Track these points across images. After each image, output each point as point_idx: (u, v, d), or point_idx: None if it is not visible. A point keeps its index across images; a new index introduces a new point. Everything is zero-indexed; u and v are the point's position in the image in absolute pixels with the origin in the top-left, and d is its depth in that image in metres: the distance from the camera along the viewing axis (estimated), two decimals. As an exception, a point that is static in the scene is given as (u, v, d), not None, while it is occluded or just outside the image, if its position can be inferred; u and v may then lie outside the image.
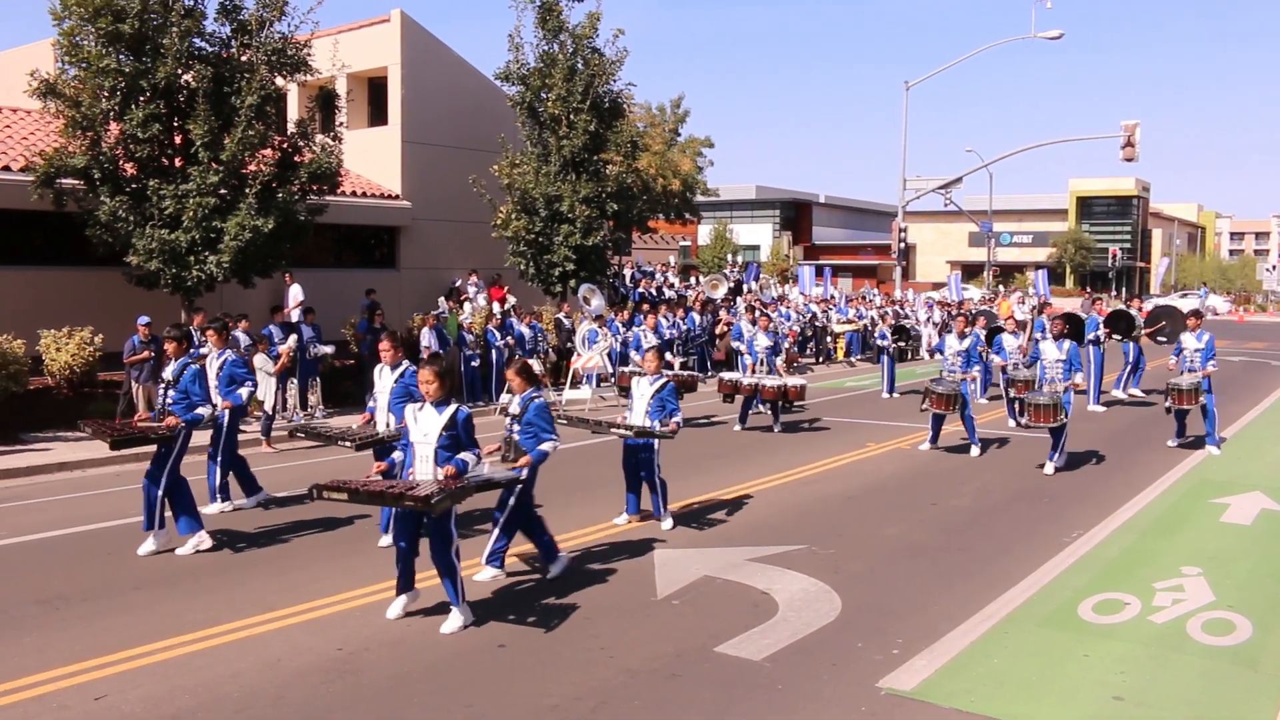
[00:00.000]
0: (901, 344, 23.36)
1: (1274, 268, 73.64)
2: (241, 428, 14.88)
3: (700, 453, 13.76)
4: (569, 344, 20.77)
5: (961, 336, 14.79)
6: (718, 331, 23.71)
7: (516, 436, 8.04)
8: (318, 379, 17.05)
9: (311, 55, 17.37)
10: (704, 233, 61.21)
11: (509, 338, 19.53)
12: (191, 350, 9.83)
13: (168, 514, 9.00)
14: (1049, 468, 12.65)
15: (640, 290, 26.99)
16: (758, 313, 18.48)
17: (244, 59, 16.58)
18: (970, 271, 68.03)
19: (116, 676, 6.15)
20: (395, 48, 23.56)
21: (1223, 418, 15.80)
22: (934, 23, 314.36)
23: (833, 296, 32.97)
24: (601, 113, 22.62)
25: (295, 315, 17.29)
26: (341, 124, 18.42)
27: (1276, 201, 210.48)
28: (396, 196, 23.67)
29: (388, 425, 8.99)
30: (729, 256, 49.23)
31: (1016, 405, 14.23)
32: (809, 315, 28.26)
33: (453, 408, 7.04)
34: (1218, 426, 14.21)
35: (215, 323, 10.98)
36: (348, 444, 8.81)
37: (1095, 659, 6.55)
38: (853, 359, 28.44)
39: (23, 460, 12.88)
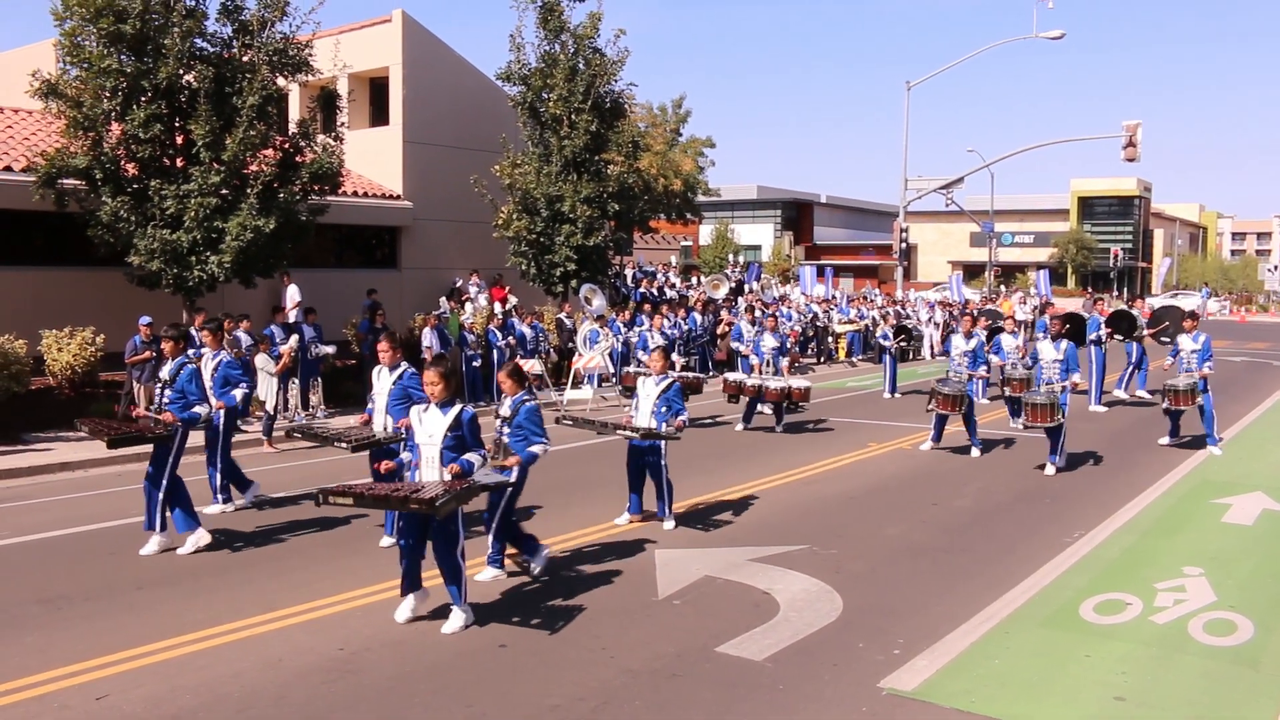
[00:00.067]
0: (903, 344, 23.37)
1: (1275, 268, 73.58)
2: (243, 428, 15.06)
3: (702, 452, 13.76)
4: (570, 344, 20.76)
5: (968, 336, 14.77)
6: (719, 332, 23.71)
7: (506, 439, 8.03)
8: (319, 379, 17.07)
9: (313, 55, 17.38)
10: (705, 233, 61.25)
11: (510, 338, 19.53)
12: (190, 350, 9.85)
13: (169, 514, 9.02)
14: (1049, 469, 12.64)
15: (641, 290, 26.99)
16: (762, 313, 18.50)
17: (245, 59, 16.59)
18: (972, 272, 68.05)
19: (118, 676, 6.16)
20: (396, 48, 23.57)
21: (1224, 418, 15.80)
22: (935, 23, 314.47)
23: (834, 297, 32.99)
24: (603, 113, 22.63)
25: (293, 315, 17.31)
26: (343, 124, 18.43)
27: (1277, 202, 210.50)
28: (398, 197, 23.68)
29: (385, 427, 8.99)
30: (730, 256, 49.27)
31: (1013, 405, 14.25)
32: (810, 315, 28.27)
33: (457, 408, 7.03)
34: (1216, 426, 14.20)
35: (211, 323, 10.98)
36: (344, 445, 8.81)
37: (1097, 659, 6.54)
38: (854, 359, 28.45)
39: (24, 460, 12.90)
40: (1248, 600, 7.66)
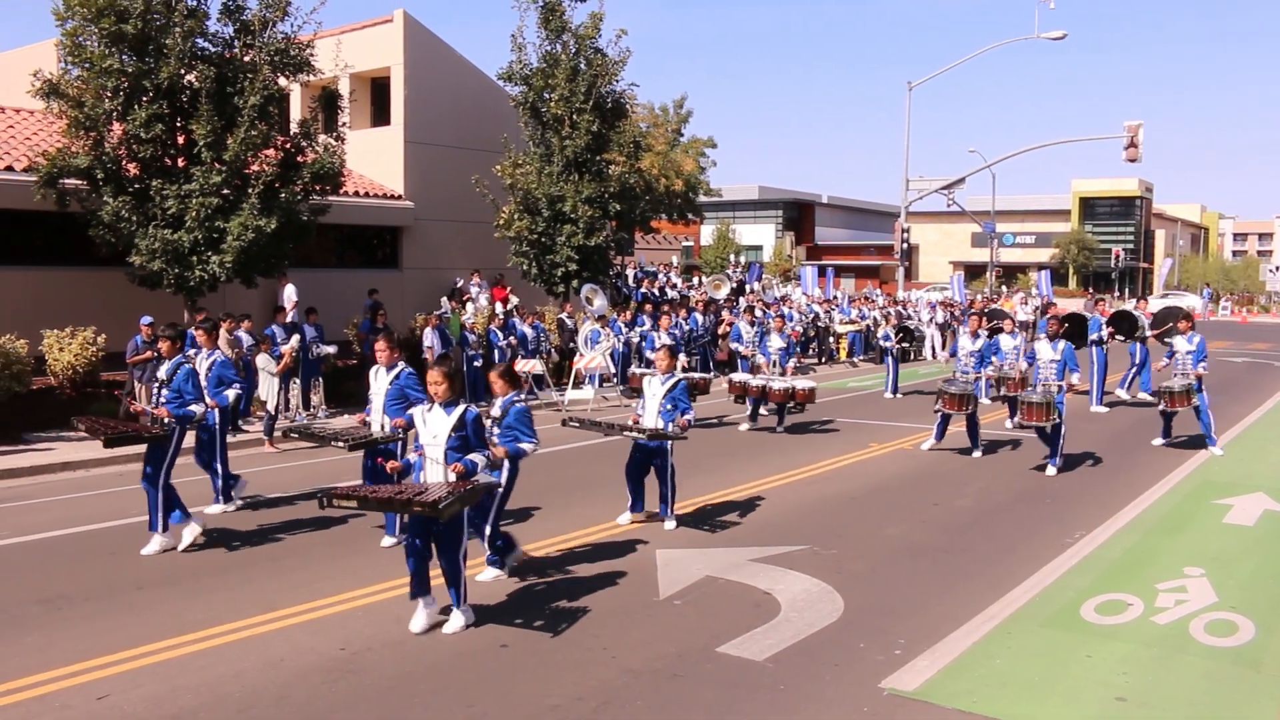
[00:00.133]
0: (905, 345, 23.36)
1: (1277, 269, 73.54)
2: (244, 428, 15.08)
3: (703, 452, 13.75)
4: (571, 344, 20.75)
5: (974, 336, 14.78)
6: (720, 332, 23.71)
7: (496, 439, 8.01)
8: (320, 379, 17.07)
9: (314, 55, 17.39)
10: (706, 233, 61.24)
11: (511, 338, 19.53)
12: (191, 351, 9.86)
13: (177, 524, 9.03)
14: (1050, 469, 12.64)
15: (643, 291, 26.99)
16: (764, 313, 18.47)
17: (247, 59, 16.60)
18: (973, 272, 67.98)
19: (119, 676, 6.16)
20: (398, 48, 23.59)
21: (1226, 419, 15.80)
22: (937, 23, 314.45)
23: (836, 297, 32.97)
24: (604, 113, 22.64)
25: (290, 315, 17.29)
26: (344, 124, 18.44)
27: (1278, 202, 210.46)
28: (399, 197, 23.69)
29: (382, 426, 8.99)
30: (731, 257, 49.23)
31: (1012, 405, 14.26)
32: (811, 315, 28.26)
33: (461, 408, 7.00)
34: (1213, 425, 14.19)
35: (205, 323, 10.97)
36: (341, 445, 8.81)
37: (1098, 660, 6.54)
38: (855, 359, 28.44)
39: (25, 460, 12.90)
40: (1249, 601, 7.66)
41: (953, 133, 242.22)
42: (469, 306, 21.66)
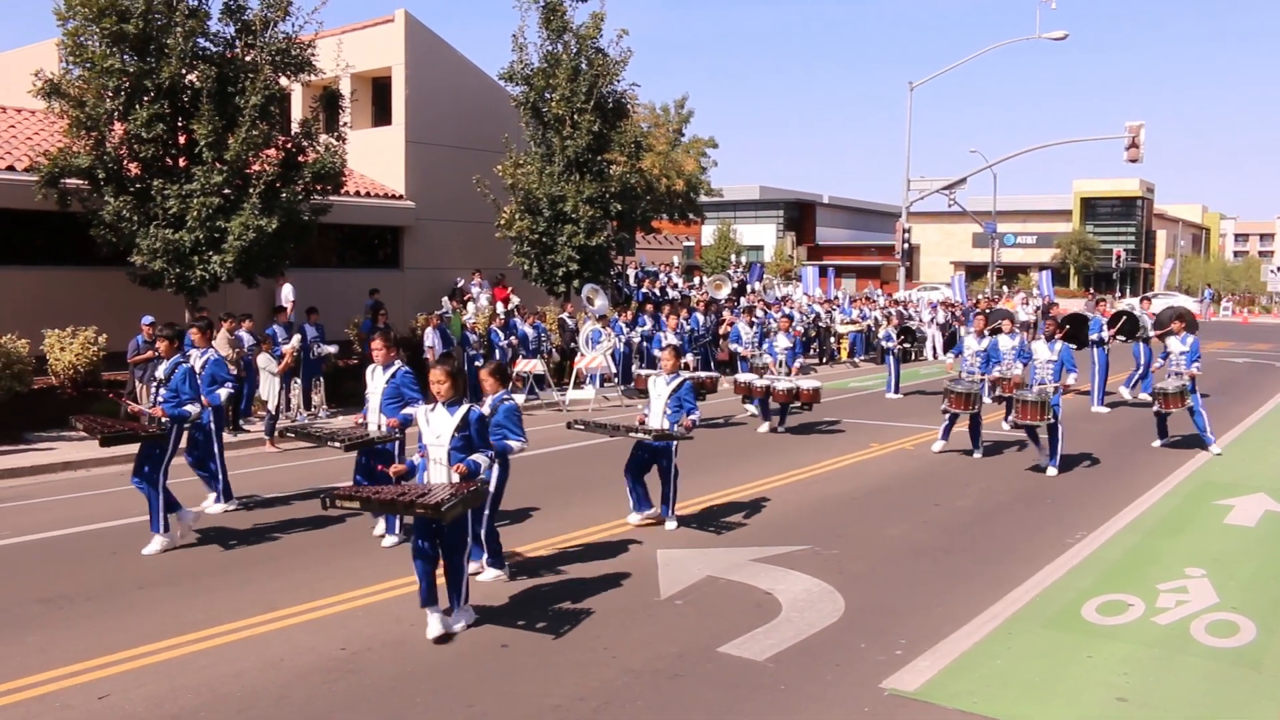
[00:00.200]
0: (906, 345, 23.37)
1: (1278, 269, 73.49)
2: (245, 428, 15.08)
3: (704, 452, 13.74)
4: (572, 344, 20.77)
5: (980, 336, 14.78)
6: (721, 332, 23.71)
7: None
8: (321, 379, 17.08)
9: (315, 55, 17.40)
10: (707, 233, 61.22)
11: (513, 338, 19.54)
12: (192, 350, 9.86)
13: (174, 516, 9.03)
14: (1050, 470, 12.63)
15: (644, 291, 27.00)
16: (765, 313, 18.46)
17: (248, 59, 16.61)
18: (974, 272, 67.93)
19: (119, 676, 6.16)
20: (399, 48, 23.59)
21: (1227, 419, 15.79)
22: (938, 23, 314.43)
23: (836, 297, 32.97)
24: (605, 113, 22.64)
25: (289, 315, 17.31)
26: (345, 124, 18.45)
27: (1279, 203, 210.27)
28: (400, 196, 23.69)
29: (379, 425, 8.98)
30: (732, 257, 49.22)
31: (1005, 405, 14.26)
32: (812, 316, 28.26)
33: (465, 408, 6.97)
34: (1208, 425, 14.18)
35: (200, 321, 10.97)
36: (337, 445, 8.80)
37: (1099, 660, 6.54)
38: (856, 359, 28.43)
39: (26, 460, 12.91)
40: (1250, 602, 7.65)
41: (954, 133, 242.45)
42: (470, 306, 21.67)
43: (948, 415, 13.93)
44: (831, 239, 79.49)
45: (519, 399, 17.80)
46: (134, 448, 9.20)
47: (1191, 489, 11.77)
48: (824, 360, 27.94)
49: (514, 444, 7.87)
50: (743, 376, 16.70)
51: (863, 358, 28.62)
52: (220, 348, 13.38)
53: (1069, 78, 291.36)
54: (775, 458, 13.63)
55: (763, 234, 75.59)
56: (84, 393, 15.62)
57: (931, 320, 30.78)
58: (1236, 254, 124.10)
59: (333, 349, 17.22)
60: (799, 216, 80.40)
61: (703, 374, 16.96)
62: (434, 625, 6.81)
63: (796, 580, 8.12)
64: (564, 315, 22.23)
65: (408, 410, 8.89)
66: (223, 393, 10.03)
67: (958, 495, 11.47)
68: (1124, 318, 19.59)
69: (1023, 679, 6.24)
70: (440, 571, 6.96)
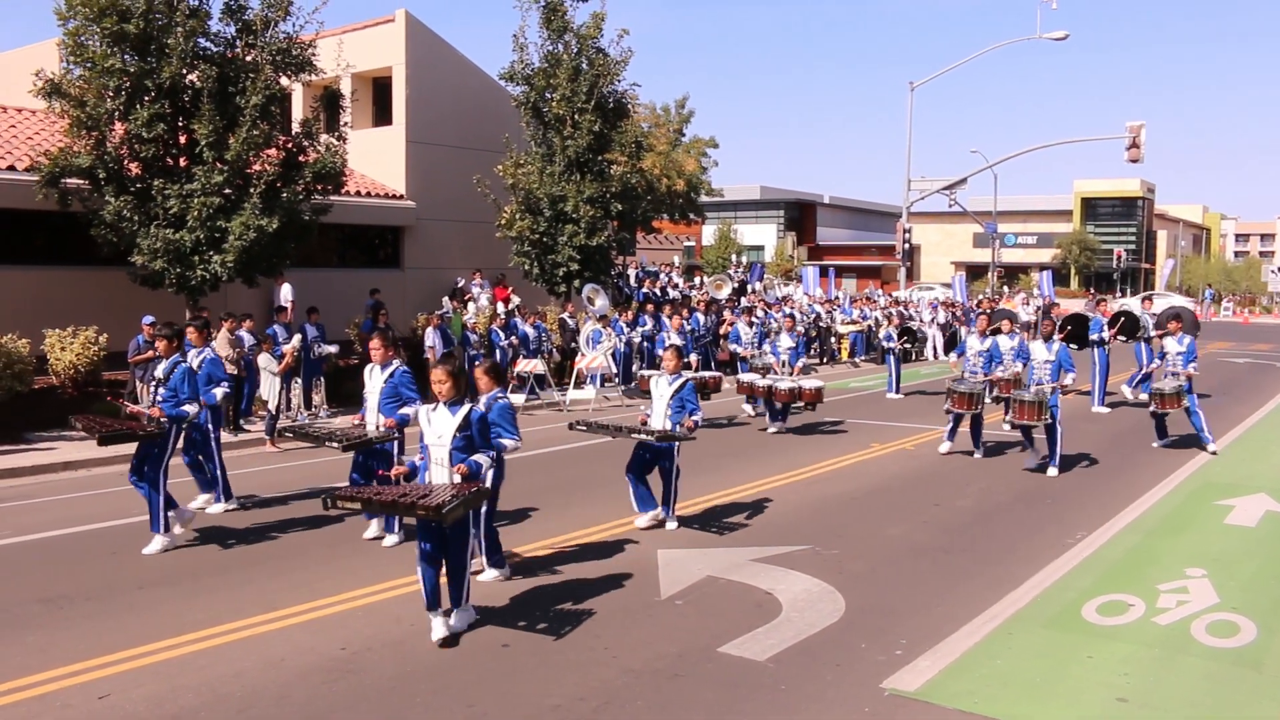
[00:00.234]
0: (907, 345, 23.36)
1: (1279, 270, 73.45)
2: (246, 427, 15.08)
3: (705, 451, 13.73)
4: (573, 344, 20.77)
5: (983, 336, 14.78)
6: (721, 332, 23.70)
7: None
8: (321, 379, 17.09)
9: (316, 55, 17.40)
10: (708, 233, 61.21)
11: (513, 338, 19.54)
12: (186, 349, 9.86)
13: (172, 514, 9.03)
14: (1051, 470, 12.63)
15: (644, 290, 27.00)
16: (766, 313, 18.44)
17: (249, 59, 16.61)
18: (975, 272, 67.93)
19: (119, 675, 6.16)
20: (400, 48, 23.59)
21: (1228, 419, 15.77)
22: (938, 23, 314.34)
23: (837, 297, 32.96)
24: (606, 113, 22.63)
25: (289, 315, 17.31)
26: (346, 124, 18.45)
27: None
28: (401, 196, 23.69)
29: (377, 425, 8.97)
30: (733, 257, 49.21)
31: (1003, 404, 14.27)
32: (813, 316, 28.25)
33: (466, 408, 6.95)
34: (1205, 424, 14.17)
35: (196, 320, 10.97)
36: (335, 444, 8.79)
37: (1099, 660, 6.53)
38: (857, 360, 28.42)
39: (27, 460, 12.91)
40: (1250, 602, 7.65)
41: (954, 133, 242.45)
42: (471, 306, 21.67)
43: (952, 416, 13.92)
44: (832, 239, 79.47)
45: (519, 399, 17.86)
46: (133, 447, 9.20)
47: (1192, 489, 11.77)
48: (824, 360, 27.93)
49: (508, 442, 7.81)
50: (745, 376, 16.71)
51: (863, 358, 28.62)
52: (221, 348, 13.39)
53: (1069, 78, 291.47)
54: (776, 458, 13.63)
55: (763, 234, 75.57)
56: (84, 393, 15.62)
57: (932, 320, 30.78)
58: (1237, 254, 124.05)
59: (333, 349, 17.23)
60: (799, 216, 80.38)
61: (707, 374, 16.94)
62: (438, 628, 6.79)
63: (797, 580, 8.12)
64: (565, 315, 22.23)
65: (405, 410, 8.89)
66: (218, 392, 9.99)
67: (958, 495, 11.47)
68: (1124, 318, 19.58)
69: (1023, 679, 6.24)
70: (443, 572, 6.95)
